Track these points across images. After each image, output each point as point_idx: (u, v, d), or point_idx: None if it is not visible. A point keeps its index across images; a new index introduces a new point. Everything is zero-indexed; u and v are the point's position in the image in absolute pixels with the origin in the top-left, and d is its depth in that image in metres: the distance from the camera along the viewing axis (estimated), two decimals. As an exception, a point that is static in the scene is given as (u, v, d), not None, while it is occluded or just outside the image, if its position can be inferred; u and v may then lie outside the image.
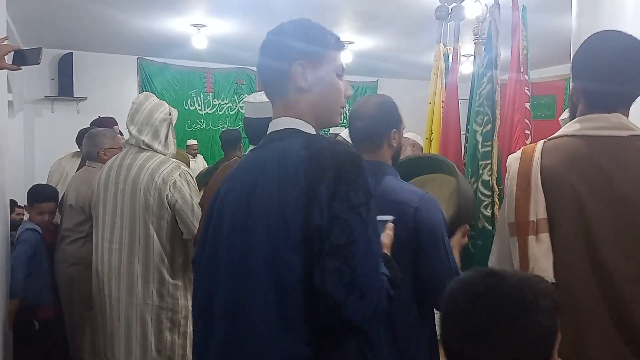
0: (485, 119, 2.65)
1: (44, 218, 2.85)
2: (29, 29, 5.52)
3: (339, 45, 1.27)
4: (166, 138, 2.40)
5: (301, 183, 1.06)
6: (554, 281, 1.30)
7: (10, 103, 3.08)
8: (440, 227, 1.49)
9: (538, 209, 1.37)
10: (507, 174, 1.50)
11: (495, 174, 2.58)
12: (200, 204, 2.30)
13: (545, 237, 1.35)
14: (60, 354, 2.88)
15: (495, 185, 2.56)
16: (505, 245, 1.46)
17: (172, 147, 2.43)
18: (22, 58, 2.31)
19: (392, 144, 1.61)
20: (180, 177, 2.30)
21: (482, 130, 2.65)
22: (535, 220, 1.37)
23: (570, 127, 1.42)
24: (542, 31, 5.13)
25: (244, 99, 2.11)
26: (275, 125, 1.23)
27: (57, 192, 3.00)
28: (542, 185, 1.37)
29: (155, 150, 2.36)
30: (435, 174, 2.11)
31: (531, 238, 1.37)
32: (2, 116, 2.36)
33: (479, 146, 2.64)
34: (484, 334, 0.87)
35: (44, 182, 3.31)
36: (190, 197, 2.31)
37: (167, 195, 2.27)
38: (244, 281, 1.09)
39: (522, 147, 1.51)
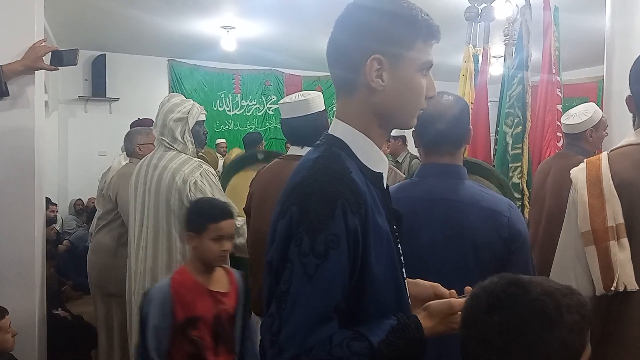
0: (515, 120, 2.62)
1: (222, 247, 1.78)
2: (64, 31, 5.68)
3: (432, 34, 1.02)
4: (182, 137, 2.40)
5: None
6: (638, 287, 1.29)
7: (45, 103, 3.18)
8: (527, 236, 1.43)
9: (616, 214, 1.36)
10: (572, 187, 1.47)
11: (525, 176, 2.56)
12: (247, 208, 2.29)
13: (625, 242, 1.34)
14: (90, 343, 2.96)
15: (525, 188, 2.53)
16: (570, 257, 1.44)
17: (191, 146, 2.42)
18: (59, 59, 2.38)
19: (469, 143, 1.55)
20: (201, 176, 2.32)
21: (513, 132, 2.62)
22: (614, 225, 1.35)
23: (635, 137, 1.44)
24: (574, 32, 5.03)
25: (280, 101, 2.11)
26: (333, 126, 1.09)
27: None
28: (615, 190, 1.37)
29: (178, 150, 2.40)
30: (472, 176, 2.09)
31: (612, 243, 1.35)
32: (39, 116, 2.42)
33: (509, 148, 2.61)
34: (500, 347, 0.82)
35: (77, 180, 3.41)
36: (212, 196, 2.32)
37: (188, 195, 2.28)
38: None
39: (585, 159, 1.49)
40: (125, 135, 3.26)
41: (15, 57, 2.26)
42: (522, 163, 2.53)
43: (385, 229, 1.00)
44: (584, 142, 2.50)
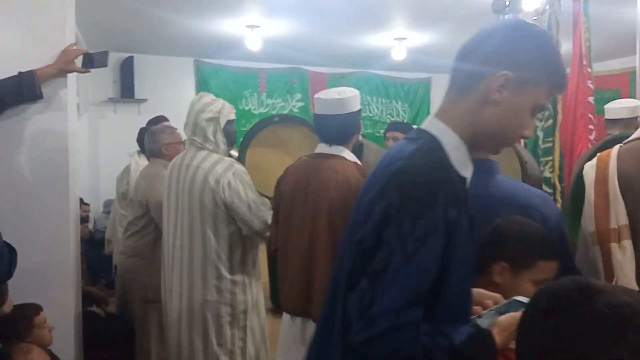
0: (546, 113, 2.57)
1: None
2: (93, 34, 5.79)
3: (559, 87, 1.08)
4: (214, 137, 2.41)
5: (373, 193, 1.01)
6: (638, 288, 1.26)
7: (77, 105, 3.25)
8: (565, 229, 1.41)
9: (619, 216, 1.34)
10: (586, 183, 1.46)
11: (557, 170, 2.51)
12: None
13: (627, 243, 1.32)
14: (126, 342, 3.02)
15: (557, 183, 2.48)
16: (587, 255, 1.42)
17: (222, 146, 2.43)
18: (90, 61, 2.43)
19: None
20: (234, 176, 2.34)
21: (543, 125, 2.58)
22: (616, 227, 1.33)
23: None
24: (605, 22, 4.90)
25: (316, 95, 2.10)
26: (424, 122, 1.12)
27: None
28: (620, 191, 1.34)
29: (210, 150, 2.41)
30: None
31: (614, 246, 1.33)
32: (71, 118, 2.48)
33: (540, 142, 2.57)
34: (549, 354, 0.76)
35: (108, 180, 3.46)
36: (246, 195, 2.34)
37: (221, 195, 2.30)
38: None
39: (598, 154, 1.47)
40: (147, 135, 3.17)
41: (48, 61, 2.32)
42: (553, 157, 2.49)
43: (466, 231, 1.03)
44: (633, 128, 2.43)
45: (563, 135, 2.66)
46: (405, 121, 8.54)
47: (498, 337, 1.01)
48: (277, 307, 4.54)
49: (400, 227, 0.95)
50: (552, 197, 2.46)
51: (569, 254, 1.39)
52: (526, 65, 1.02)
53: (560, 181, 2.50)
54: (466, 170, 1.08)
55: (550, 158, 2.51)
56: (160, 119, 3.95)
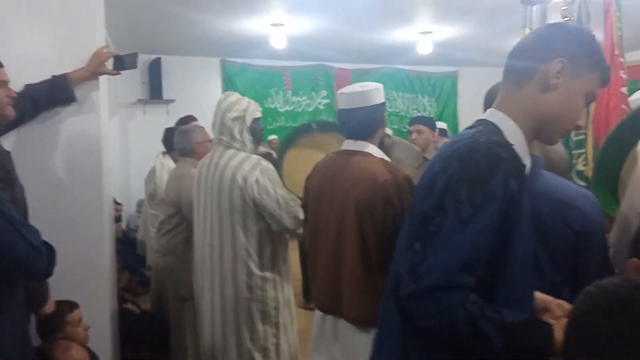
0: (577, 105, 2.52)
1: None
2: (121, 37, 5.89)
3: (605, 79, 1.16)
4: (241, 135, 2.43)
5: (435, 168, 1.07)
6: None
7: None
8: (604, 230, 1.39)
9: None
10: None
11: (590, 163, 2.45)
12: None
13: None
14: (161, 339, 3.07)
15: (590, 176, 2.42)
16: (623, 236, 1.38)
17: (249, 144, 2.45)
18: (121, 63, 2.48)
19: None
20: (261, 173, 2.35)
21: (575, 117, 2.52)
22: None
23: None
24: (637, 11, 4.77)
25: (338, 91, 2.09)
26: (486, 114, 1.17)
27: None
28: None
29: (237, 149, 2.44)
30: None
31: None
32: (104, 120, 2.53)
33: (572, 134, 2.51)
34: (611, 356, 0.74)
35: (139, 180, 3.52)
36: (275, 192, 2.35)
37: (249, 193, 2.32)
38: None
39: None
40: (178, 134, 3.20)
41: (80, 65, 2.37)
42: (586, 149, 2.43)
43: (527, 209, 1.06)
44: None
45: (596, 127, 2.60)
46: (431, 116, 8.48)
47: (559, 334, 0.96)
48: (308, 301, 4.59)
49: (458, 194, 0.98)
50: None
51: (605, 251, 1.36)
52: (578, 53, 1.10)
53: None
54: (525, 159, 1.12)
55: (583, 150, 2.45)
56: (189, 119, 4.00)
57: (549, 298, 1.11)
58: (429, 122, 3.95)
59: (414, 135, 3.79)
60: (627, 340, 0.73)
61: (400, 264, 1.03)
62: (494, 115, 1.14)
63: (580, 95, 1.12)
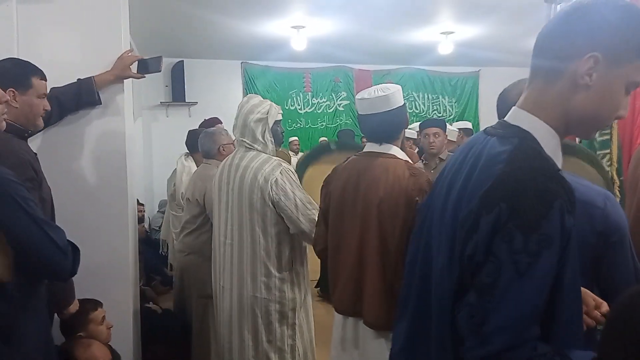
0: (602, 105, 2.47)
1: None
2: (145, 41, 5.99)
3: None
4: (263, 137, 2.45)
5: (474, 203, 0.96)
6: None
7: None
8: (627, 230, 1.35)
9: None
10: None
11: (615, 164, 2.40)
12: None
13: None
14: (183, 338, 3.11)
15: (615, 177, 2.38)
16: None
17: (271, 146, 2.47)
18: (145, 66, 2.51)
19: None
20: (281, 174, 2.36)
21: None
22: None
23: None
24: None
25: (357, 96, 2.07)
26: (508, 116, 1.07)
27: None
28: None
29: (258, 150, 2.46)
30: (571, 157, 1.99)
31: None
32: (128, 122, 2.58)
33: (597, 134, 2.47)
34: None
35: (162, 182, 3.56)
36: (293, 194, 2.35)
37: (269, 194, 2.33)
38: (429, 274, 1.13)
39: None
40: (205, 136, 3.26)
41: (105, 68, 2.42)
42: (611, 150, 2.38)
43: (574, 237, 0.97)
44: None
45: (621, 128, 2.55)
46: (452, 116, 8.41)
47: None
48: (324, 294, 4.64)
49: (511, 241, 0.89)
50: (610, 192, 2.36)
51: (632, 256, 1.32)
52: (613, 45, 0.96)
53: (619, 175, 2.39)
54: (558, 162, 1.02)
55: (608, 151, 2.41)
56: (214, 121, 4.05)
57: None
58: (443, 124, 3.84)
59: (431, 139, 3.63)
60: None
61: (459, 321, 0.95)
62: (522, 119, 1.03)
63: (619, 87, 0.99)
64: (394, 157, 1.94)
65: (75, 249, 1.58)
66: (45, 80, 1.97)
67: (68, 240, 1.55)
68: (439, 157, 3.63)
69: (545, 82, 1.02)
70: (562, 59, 0.99)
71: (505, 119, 1.07)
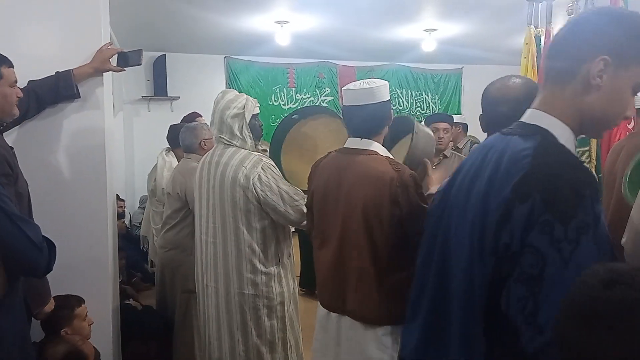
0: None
1: None
2: (126, 34, 5.90)
3: None
4: (241, 132, 2.42)
5: (506, 193, 1.01)
6: None
7: (112, 104, 3.32)
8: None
9: None
10: None
11: (594, 161, 2.44)
12: None
13: None
14: (164, 335, 3.08)
15: (594, 174, 2.41)
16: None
17: (249, 141, 2.44)
18: (125, 60, 2.48)
19: None
20: (263, 170, 2.34)
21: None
22: None
23: None
24: (645, 7, 4.73)
25: (344, 87, 2.06)
26: (525, 117, 1.14)
27: None
28: None
29: (237, 146, 2.43)
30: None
31: None
32: (108, 116, 2.54)
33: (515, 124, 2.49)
34: (608, 324, 0.77)
35: (143, 177, 3.52)
36: (278, 187, 2.34)
37: (252, 191, 2.32)
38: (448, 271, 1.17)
39: None
40: (186, 131, 3.23)
41: (84, 61, 2.38)
42: (590, 147, 2.42)
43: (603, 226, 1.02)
44: None
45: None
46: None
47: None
48: (308, 291, 4.69)
49: (552, 232, 0.95)
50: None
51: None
52: (621, 49, 1.04)
53: (598, 172, 2.43)
54: None
55: (587, 148, 2.44)
56: (195, 116, 4.02)
57: None
58: (452, 120, 3.77)
59: (441, 134, 3.52)
60: (625, 307, 0.76)
61: (511, 315, 0.98)
62: (541, 119, 1.10)
63: (627, 88, 1.07)
64: (376, 153, 1.94)
65: (51, 245, 1.55)
66: (13, 67, 1.91)
67: (44, 236, 1.53)
68: (443, 154, 3.56)
69: (558, 85, 1.10)
70: (575, 62, 1.07)
71: (522, 119, 1.13)
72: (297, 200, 2.35)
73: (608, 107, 1.07)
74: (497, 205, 1.02)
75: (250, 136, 2.44)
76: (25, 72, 2.12)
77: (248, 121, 2.42)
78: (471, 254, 1.08)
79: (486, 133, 1.55)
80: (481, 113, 1.61)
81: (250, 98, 2.49)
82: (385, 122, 1.99)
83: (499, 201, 1.02)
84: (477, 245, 1.07)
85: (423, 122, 4.07)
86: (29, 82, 2.25)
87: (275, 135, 2.71)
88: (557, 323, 0.85)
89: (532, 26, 3.37)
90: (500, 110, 1.46)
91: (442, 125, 3.56)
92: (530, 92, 1.42)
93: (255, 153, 2.42)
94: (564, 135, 1.08)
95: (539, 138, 1.05)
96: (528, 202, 0.97)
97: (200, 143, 3.16)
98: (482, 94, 1.54)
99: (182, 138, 3.23)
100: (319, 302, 2.09)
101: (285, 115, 2.73)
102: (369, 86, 1.93)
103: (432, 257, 1.23)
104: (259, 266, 2.38)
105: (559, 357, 0.88)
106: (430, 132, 2.22)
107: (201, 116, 4.03)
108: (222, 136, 2.44)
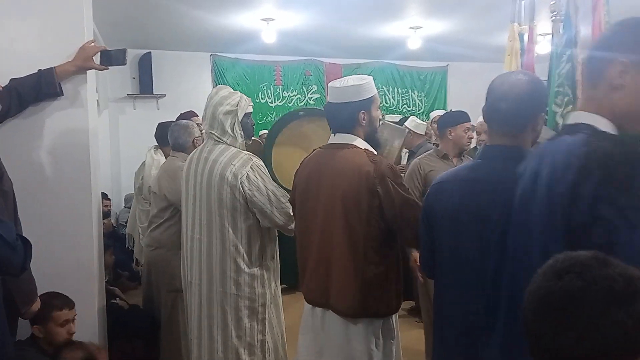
0: (565, 99, 2.54)
1: None
2: (111, 31, 5.84)
3: None
4: (232, 130, 2.41)
5: (569, 178, 1.10)
6: None
7: (97, 102, 3.29)
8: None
9: None
10: None
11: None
12: None
13: None
14: (150, 334, 3.07)
15: None
16: None
17: (240, 139, 2.43)
18: (108, 58, 2.45)
19: (537, 128, 1.49)
20: (252, 170, 2.34)
21: (563, 111, 2.55)
22: None
23: None
24: (626, 5, 4.79)
25: (330, 83, 2.06)
26: (571, 118, 1.26)
27: None
28: None
29: (227, 144, 2.42)
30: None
31: None
32: (92, 114, 2.51)
33: (560, 128, 2.53)
34: (557, 313, 0.80)
35: (129, 175, 3.49)
36: (266, 188, 2.34)
37: (240, 190, 2.31)
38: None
39: None
40: (179, 129, 3.20)
41: (67, 59, 2.35)
42: None
43: None
44: None
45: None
46: (421, 110, 8.50)
47: None
48: (289, 287, 4.64)
49: (616, 202, 1.04)
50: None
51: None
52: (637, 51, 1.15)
53: None
54: None
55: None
56: (191, 114, 4.00)
57: None
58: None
59: (471, 133, 3.34)
60: (573, 297, 0.79)
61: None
62: (582, 117, 1.21)
63: None
64: (355, 147, 1.95)
65: (26, 244, 1.53)
66: None
67: (18, 234, 1.51)
68: (410, 151, 3.51)
69: (592, 86, 1.22)
70: (600, 65, 1.19)
71: (568, 122, 1.26)
72: (283, 203, 2.35)
73: (635, 104, 1.17)
74: (563, 190, 1.10)
75: (241, 134, 2.43)
76: (6, 68, 2.09)
77: (240, 119, 2.42)
78: (554, 247, 1.11)
79: (485, 126, 1.59)
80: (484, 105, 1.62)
81: (245, 96, 2.48)
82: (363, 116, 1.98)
83: (564, 187, 1.10)
84: (553, 241, 1.12)
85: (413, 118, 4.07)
86: (11, 80, 2.22)
87: (276, 125, 2.75)
88: (522, 315, 0.87)
89: (516, 24, 3.39)
90: (500, 106, 1.46)
91: (469, 124, 3.42)
92: (533, 90, 1.44)
93: (245, 152, 2.42)
94: (607, 127, 1.17)
95: (588, 131, 1.16)
96: (592, 179, 1.06)
97: (192, 141, 3.14)
98: (489, 86, 1.54)
99: (175, 135, 3.19)
100: (304, 297, 2.10)
101: (272, 112, 2.78)
102: (354, 83, 1.94)
103: (500, 272, 1.34)
104: (243, 266, 2.37)
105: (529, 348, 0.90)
106: (399, 126, 2.29)
107: (197, 115, 4.01)
108: (213, 132, 2.42)
